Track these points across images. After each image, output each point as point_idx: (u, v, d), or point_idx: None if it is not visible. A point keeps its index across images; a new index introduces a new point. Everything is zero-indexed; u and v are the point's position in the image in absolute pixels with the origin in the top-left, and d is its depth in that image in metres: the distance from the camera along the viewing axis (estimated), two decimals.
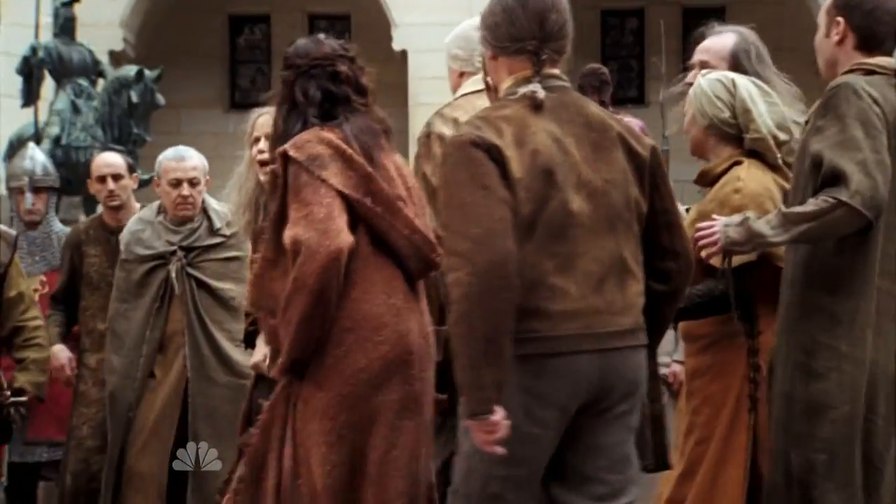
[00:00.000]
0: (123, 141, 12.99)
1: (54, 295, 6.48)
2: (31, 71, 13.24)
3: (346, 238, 3.71)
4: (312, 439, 3.74)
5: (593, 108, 3.66)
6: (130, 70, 13.35)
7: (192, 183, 5.95)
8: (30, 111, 13.28)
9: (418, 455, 3.87)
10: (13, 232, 6.10)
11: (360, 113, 3.99)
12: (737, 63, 4.63)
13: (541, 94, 3.53)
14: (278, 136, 3.97)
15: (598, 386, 3.50)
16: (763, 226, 3.94)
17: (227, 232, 6.00)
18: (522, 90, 3.56)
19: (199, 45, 19.66)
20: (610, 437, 3.57)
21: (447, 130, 4.36)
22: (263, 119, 5.13)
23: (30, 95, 13.24)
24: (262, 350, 5.16)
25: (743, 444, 4.23)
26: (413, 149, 17.37)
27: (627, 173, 3.60)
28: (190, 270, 5.91)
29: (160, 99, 13.25)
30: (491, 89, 3.97)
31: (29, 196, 6.99)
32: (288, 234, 3.73)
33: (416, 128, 16.81)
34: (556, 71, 3.63)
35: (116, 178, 6.34)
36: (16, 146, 13.02)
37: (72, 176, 11.48)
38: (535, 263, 3.43)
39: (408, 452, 3.82)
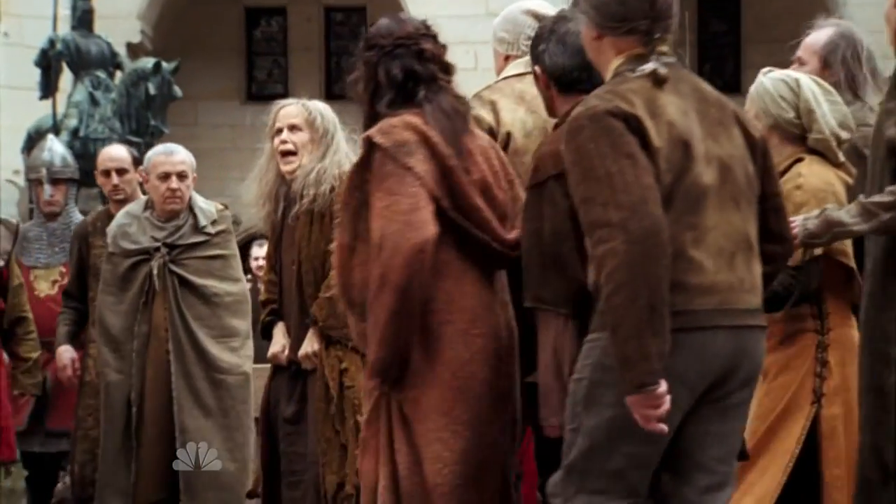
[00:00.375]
0: (141, 133, 13.04)
1: (66, 290, 6.52)
2: (49, 63, 13.29)
3: (430, 230, 3.57)
4: (426, 437, 3.61)
5: (706, 84, 3.59)
6: (148, 62, 13.39)
7: (181, 176, 6.01)
8: (48, 103, 13.33)
9: (509, 451, 3.79)
10: (15, 221, 6.15)
11: (444, 92, 3.82)
12: (827, 59, 4.64)
13: (663, 70, 3.45)
14: (367, 120, 3.85)
15: (728, 367, 3.40)
16: (843, 215, 3.91)
17: (212, 230, 6.06)
18: (641, 67, 3.46)
19: (215, 38, 19.70)
20: (726, 425, 3.47)
21: (485, 114, 4.29)
22: (285, 111, 5.17)
23: (48, 88, 13.30)
24: (280, 341, 5.21)
25: (795, 435, 4.21)
26: None
27: (745, 151, 3.52)
28: (172, 267, 5.96)
29: (177, 91, 13.29)
30: (538, 78, 3.93)
31: (48, 188, 7.03)
32: (373, 227, 3.61)
33: None
34: (665, 48, 3.54)
35: (121, 172, 6.36)
36: (34, 138, 13.09)
37: (90, 168, 11.41)
38: (674, 235, 3.31)
39: (502, 449, 3.73)
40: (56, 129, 12.63)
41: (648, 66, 3.44)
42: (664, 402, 3.21)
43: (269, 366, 5.38)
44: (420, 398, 3.61)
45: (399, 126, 3.69)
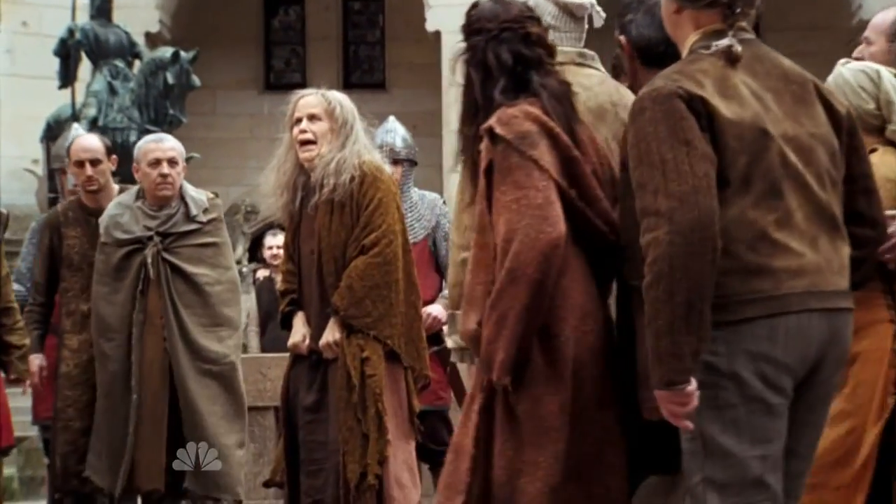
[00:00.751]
0: (159, 122, 13.06)
1: (36, 281, 6.48)
2: (68, 52, 13.33)
3: (563, 225, 3.43)
4: (545, 438, 3.47)
5: (786, 60, 3.45)
6: (166, 52, 13.41)
7: (171, 162, 6.04)
8: (67, 93, 13.37)
9: (621, 450, 3.66)
10: (4, 211, 6.15)
11: (551, 76, 3.68)
12: (893, 37, 4.57)
13: (737, 47, 3.32)
14: (474, 107, 3.71)
15: (822, 351, 3.28)
16: None
17: (204, 218, 6.09)
18: (715, 44, 3.33)
19: (234, 27, 19.73)
20: (819, 411, 3.36)
21: None
22: (305, 100, 5.18)
23: (67, 77, 13.34)
24: (300, 331, 5.22)
25: (878, 427, 4.13)
26: (447, 130, 17.36)
27: (829, 129, 3.38)
28: (165, 255, 5.99)
29: (196, 80, 13.31)
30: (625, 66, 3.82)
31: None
32: (499, 221, 3.47)
33: (449, 108, 16.81)
34: (745, 24, 3.40)
35: (94, 162, 6.34)
36: (53, 128, 13.14)
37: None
38: (755, 219, 3.20)
39: (616, 448, 3.60)
40: (75, 119, 12.67)
41: (723, 43, 3.32)
42: (692, 400, 3.13)
43: (287, 355, 5.39)
44: (542, 396, 3.46)
45: (519, 116, 3.55)
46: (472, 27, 3.76)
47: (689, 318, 3.11)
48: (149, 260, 5.95)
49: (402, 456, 5.09)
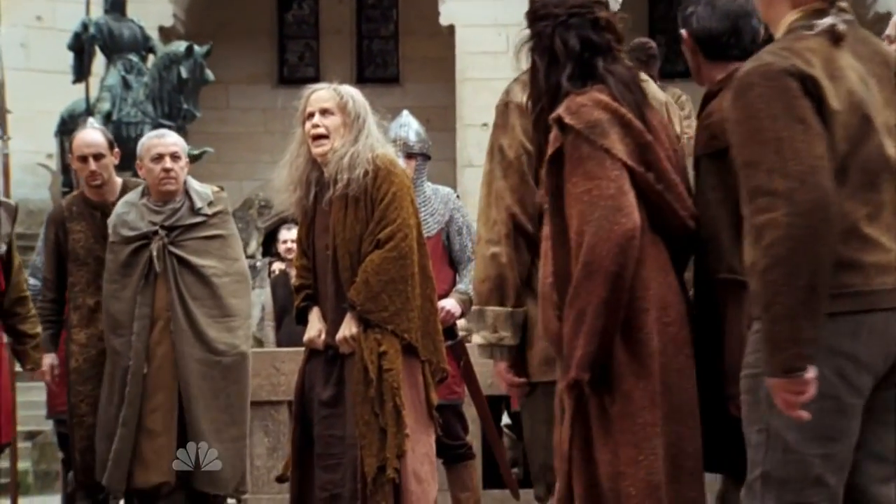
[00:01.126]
0: (173, 116, 13.09)
1: (45, 276, 6.48)
2: (82, 47, 13.36)
3: (637, 215, 3.36)
4: (639, 434, 3.39)
5: (883, 44, 3.33)
6: (180, 46, 13.43)
7: (174, 157, 6.06)
8: (81, 87, 13.39)
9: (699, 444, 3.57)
10: (13, 203, 6.17)
11: (619, 62, 3.58)
12: None
13: (841, 26, 3.18)
14: (540, 94, 3.61)
15: None
16: None
17: (209, 211, 6.11)
18: (819, 23, 3.20)
19: (247, 21, 19.74)
20: None
21: (526, 99, 4.06)
22: (317, 95, 5.17)
23: (81, 71, 13.37)
24: (316, 326, 5.21)
25: None
26: (460, 124, 17.30)
27: None
28: (172, 249, 6.01)
29: (209, 74, 13.32)
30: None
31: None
32: (570, 213, 3.39)
33: (463, 103, 16.82)
34: (844, 4, 3.27)
35: (97, 157, 6.35)
36: (67, 122, 13.16)
37: (123, 151, 11.58)
38: (849, 210, 3.09)
39: (695, 443, 3.53)
40: (89, 113, 12.69)
41: (826, 22, 3.19)
42: (810, 388, 3.02)
43: (302, 349, 5.39)
44: (632, 392, 3.38)
45: (588, 104, 3.46)
46: (539, 13, 3.67)
47: (810, 303, 2.99)
48: (154, 254, 5.97)
49: (421, 449, 5.09)
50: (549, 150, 3.48)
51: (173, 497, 6.00)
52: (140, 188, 6.21)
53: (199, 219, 6.08)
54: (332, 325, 5.13)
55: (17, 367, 6.69)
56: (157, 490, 5.97)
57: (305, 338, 5.23)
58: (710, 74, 3.72)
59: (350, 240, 5.07)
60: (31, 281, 6.70)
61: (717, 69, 3.68)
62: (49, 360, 6.42)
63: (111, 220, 6.11)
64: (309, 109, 5.15)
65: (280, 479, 5.40)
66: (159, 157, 6.03)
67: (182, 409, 5.94)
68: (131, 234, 6.02)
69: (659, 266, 3.45)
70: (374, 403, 4.97)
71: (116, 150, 6.47)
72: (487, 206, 4.14)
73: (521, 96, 4.09)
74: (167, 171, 6.02)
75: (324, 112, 5.12)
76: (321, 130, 5.11)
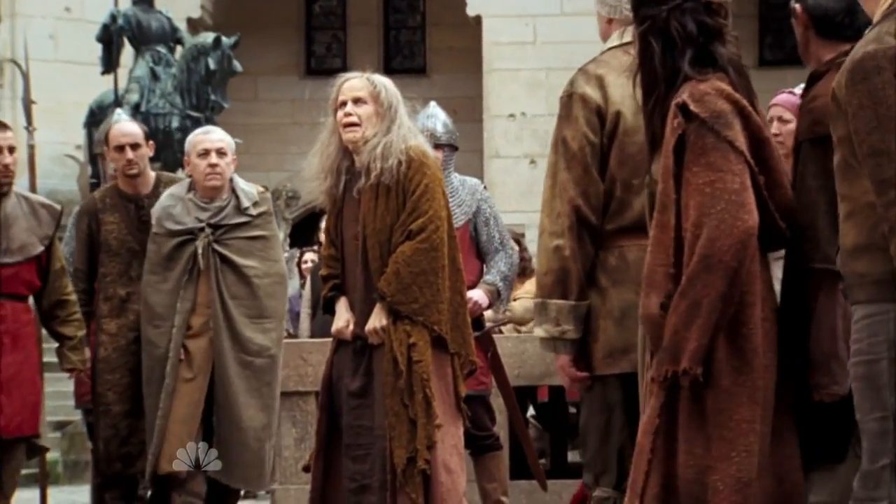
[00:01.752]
0: (201, 108, 13.13)
1: (76, 267, 6.47)
2: (110, 38, 13.41)
3: (757, 214, 3.30)
4: (737, 430, 3.32)
5: None
6: (208, 37, 13.46)
7: (220, 153, 6.09)
8: (109, 78, 13.44)
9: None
10: (58, 207, 6.20)
11: (729, 47, 3.50)
12: None
13: None
14: (658, 80, 3.51)
15: None
16: None
17: (254, 212, 6.14)
18: None
19: (275, 12, 19.75)
20: None
21: (591, 91, 4.04)
22: (350, 84, 5.15)
23: (109, 63, 13.42)
24: (344, 316, 5.20)
25: None
26: (487, 115, 17.26)
27: None
28: (216, 247, 6.05)
29: (237, 66, 13.35)
30: None
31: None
32: (688, 203, 3.33)
33: (489, 94, 16.81)
34: None
35: (134, 147, 6.37)
36: (96, 113, 13.21)
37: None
38: None
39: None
40: (117, 105, 12.73)
41: None
42: None
43: (330, 340, 5.39)
44: (732, 388, 3.31)
45: (712, 93, 3.38)
46: None
47: None
48: (199, 251, 6.00)
49: (450, 441, 5.08)
50: (671, 138, 3.40)
51: (193, 485, 6.03)
52: (186, 182, 6.25)
53: (244, 219, 6.11)
54: (361, 315, 5.12)
55: (46, 359, 6.73)
56: (172, 479, 6.01)
57: (333, 328, 5.22)
58: (819, 53, 3.60)
59: (380, 230, 5.06)
60: None
61: (827, 49, 3.58)
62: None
63: (155, 211, 6.14)
64: (341, 98, 5.12)
65: (307, 469, 5.40)
66: (205, 153, 6.06)
67: (214, 403, 5.97)
68: (176, 227, 6.06)
69: (760, 261, 3.41)
70: (404, 395, 4.97)
71: (151, 142, 6.51)
72: (551, 198, 4.09)
73: (584, 87, 4.03)
74: (213, 166, 6.05)
75: (356, 101, 5.10)
76: (353, 119, 5.09)
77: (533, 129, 16.33)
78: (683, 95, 3.37)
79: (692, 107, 3.34)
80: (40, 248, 5.98)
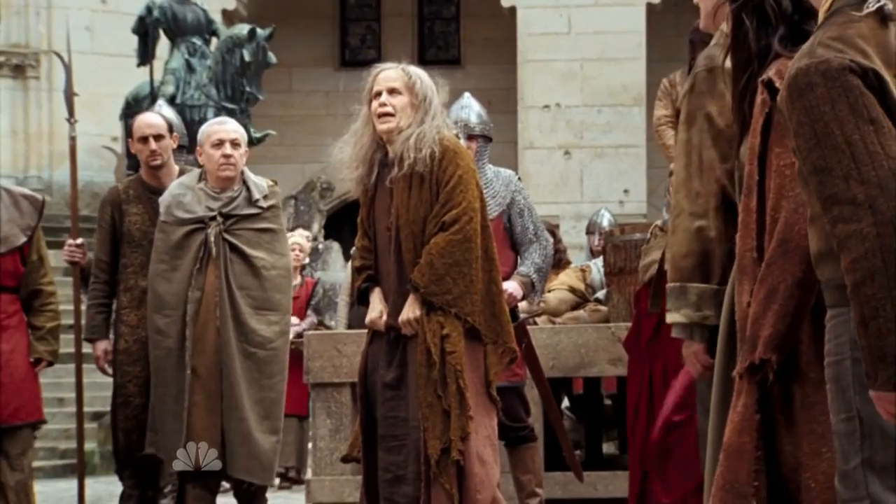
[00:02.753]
0: (236, 99, 13.16)
1: (97, 257, 6.50)
2: (146, 30, 13.45)
3: None
4: (823, 425, 3.21)
5: None
6: (243, 29, 13.49)
7: (234, 144, 6.11)
8: (145, 70, 13.49)
9: None
10: (40, 197, 6.21)
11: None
12: None
13: (889, 6, 3.01)
14: (751, 57, 3.42)
15: None
16: None
17: (265, 204, 6.16)
18: (867, 3, 3.04)
19: (309, 4, 19.78)
20: None
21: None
22: (385, 74, 5.15)
23: (145, 55, 13.46)
24: (377, 307, 5.20)
25: None
26: (522, 106, 17.19)
27: None
28: (226, 236, 6.06)
29: (272, 57, 13.37)
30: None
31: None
32: (770, 185, 3.25)
33: (524, 84, 16.78)
34: None
35: (158, 138, 6.39)
36: (132, 105, 13.26)
37: (186, 134, 11.66)
38: None
39: None
40: (153, 97, 12.79)
41: (875, 3, 3.02)
42: None
43: (364, 331, 5.40)
44: (819, 381, 3.20)
45: None
46: None
47: None
48: (211, 238, 6.02)
49: (483, 432, 5.08)
50: (759, 116, 3.32)
51: (207, 480, 6.04)
52: (196, 172, 6.26)
53: (254, 210, 6.13)
54: (394, 306, 5.12)
55: (86, 349, 6.75)
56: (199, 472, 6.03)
57: (367, 319, 5.22)
58: None
59: (413, 221, 5.06)
60: None
61: None
62: (103, 345, 6.46)
63: (164, 200, 6.14)
64: (376, 88, 5.12)
65: (346, 460, 5.41)
66: (220, 143, 6.08)
67: (225, 393, 5.99)
68: (186, 216, 6.07)
69: None
70: (437, 385, 4.97)
71: (176, 133, 6.52)
72: (689, 178, 3.98)
73: (724, 61, 3.84)
74: (227, 157, 6.07)
75: (391, 91, 5.10)
76: (388, 109, 5.08)
77: (567, 120, 16.30)
78: (770, 72, 3.28)
79: (778, 83, 3.21)
80: (23, 239, 5.98)
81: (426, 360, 5.00)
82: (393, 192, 5.11)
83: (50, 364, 6.11)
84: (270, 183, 6.28)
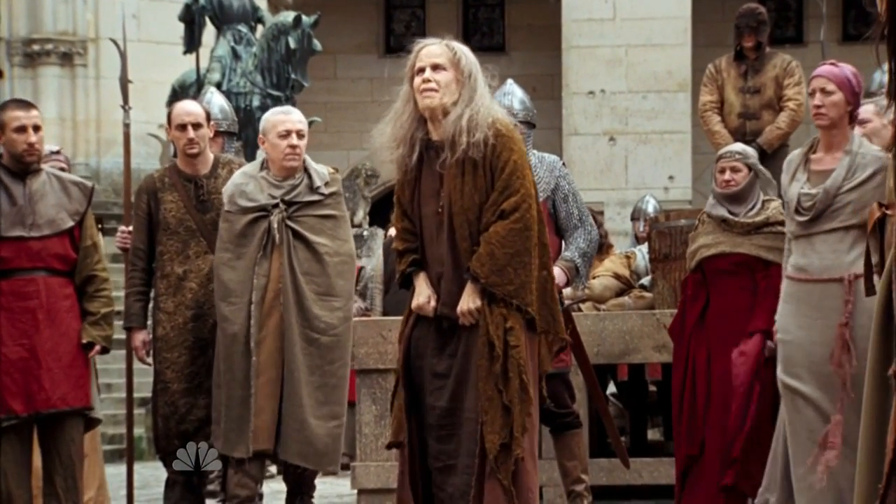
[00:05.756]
0: (282, 87, 13.17)
1: (135, 245, 6.53)
2: (192, 18, 13.50)
3: None
4: None
5: None
6: (288, 16, 13.50)
7: (300, 134, 6.17)
8: (191, 58, 13.54)
9: None
10: (90, 184, 6.25)
11: None
12: None
13: None
14: None
15: None
16: None
17: (326, 191, 6.20)
18: None
19: None
20: None
21: None
22: (428, 50, 5.00)
23: (191, 42, 13.51)
24: (425, 292, 5.03)
25: None
26: (566, 92, 17.06)
27: None
28: (289, 223, 6.11)
29: (317, 45, 13.38)
30: None
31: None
32: None
33: (569, 70, 16.72)
34: None
35: (196, 126, 6.42)
36: (179, 93, 13.31)
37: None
38: None
39: None
40: (199, 84, 12.83)
41: None
42: None
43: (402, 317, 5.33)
44: None
45: None
46: None
47: None
48: (275, 225, 6.07)
49: (533, 427, 5.03)
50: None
51: (251, 467, 6.07)
52: (258, 161, 6.31)
53: (316, 197, 6.18)
54: (448, 295, 4.98)
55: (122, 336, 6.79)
56: (256, 456, 6.06)
57: (414, 304, 5.07)
58: None
59: (468, 208, 4.91)
60: None
61: None
62: (141, 336, 6.50)
63: (227, 190, 6.21)
64: (419, 65, 4.97)
65: (391, 446, 5.35)
66: (287, 134, 6.14)
67: (286, 379, 6.03)
68: (250, 204, 6.12)
69: None
70: (499, 380, 4.84)
71: (213, 122, 6.56)
72: None
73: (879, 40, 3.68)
74: (293, 147, 6.13)
75: (435, 67, 4.94)
76: (432, 85, 4.92)
77: (612, 107, 16.23)
78: None
79: None
80: (70, 223, 5.98)
81: (489, 353, 4.86)
82: (443, 177, 4.97)
83: (105, 350, 6.10)
84: (331, 170, 6.32)
